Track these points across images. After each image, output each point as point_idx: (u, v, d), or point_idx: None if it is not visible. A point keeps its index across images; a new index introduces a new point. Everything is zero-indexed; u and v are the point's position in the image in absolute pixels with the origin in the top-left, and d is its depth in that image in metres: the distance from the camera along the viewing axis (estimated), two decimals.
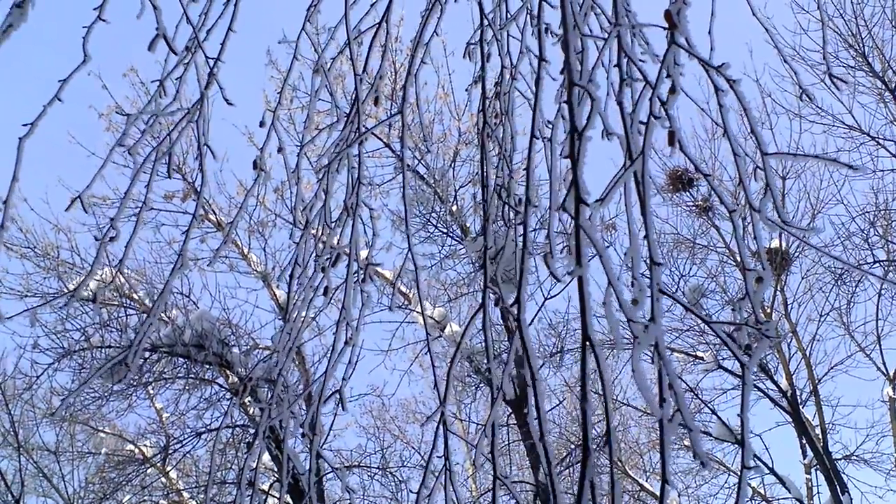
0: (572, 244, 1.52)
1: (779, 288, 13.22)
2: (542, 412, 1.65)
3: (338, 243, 3.03)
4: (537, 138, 1.86)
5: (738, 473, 1.64)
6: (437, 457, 2.37)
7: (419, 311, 12.25)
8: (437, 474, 2.42)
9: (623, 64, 1.88)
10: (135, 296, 11.98)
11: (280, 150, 3.09)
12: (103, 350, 11.56)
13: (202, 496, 11.99)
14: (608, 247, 11.71)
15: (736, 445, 13.01)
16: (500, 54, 3.17)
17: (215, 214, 12.73)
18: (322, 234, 3.05)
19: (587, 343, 1.52)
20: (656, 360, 1.51)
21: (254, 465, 2.72)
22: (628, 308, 1.53)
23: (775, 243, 12.76)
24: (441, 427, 2.39)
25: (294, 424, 2.88)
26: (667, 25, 1.80)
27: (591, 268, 1.67)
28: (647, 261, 1.60)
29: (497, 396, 2.05)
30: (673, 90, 1.75)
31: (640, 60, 2.37)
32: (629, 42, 2.20)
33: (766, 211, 1.79)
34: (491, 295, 2.34)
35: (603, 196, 1.58)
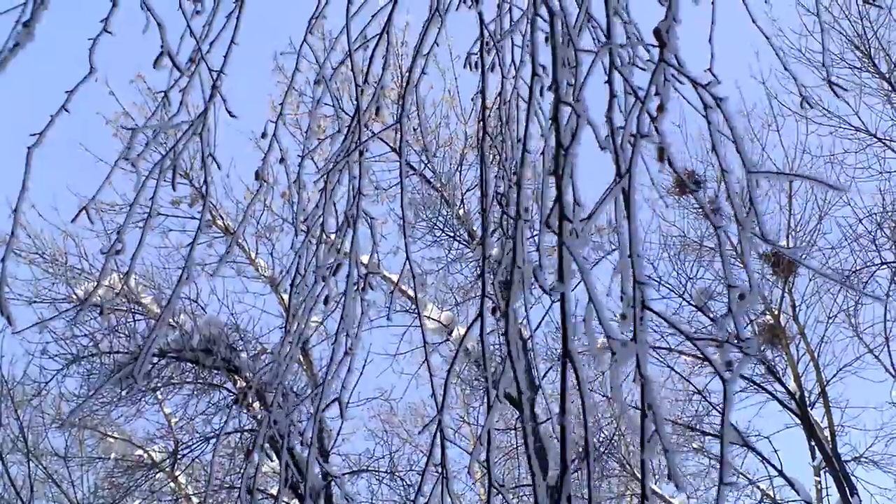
0: (557, 261, 1.53)
1: (787, 290, 13.20)
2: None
3: (339, 252, 3.05)
4: (529, 153, 1.88)
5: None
6: (434, 465, 2.39)
7: (423, 316, 12.25)
8: (436, 479, 2.43)
9: (614, 80, 1.89)
10: (143, 301, 12.01)
11: (282, 160, 3.12)
12: (112, 356, 11.60)
13: (211, 501, 12.02)
14: (614, 250, 11.70)
15: (745, 448, 13.00)
16: (500, 64, 3.19)
17: (222, 219, 12.76)
18: (323, 242, 3.07)
19: (568, 359, 1.53)
20: (638, 380, 1.53)
21: (253, 472, 2.74)
22: (608, 325, 1.54)
23: (783, 244, 12.74)
24: (438, 435, 2.40)
25: (295, 431, 2.90)
26: (656, 43, 1.81)
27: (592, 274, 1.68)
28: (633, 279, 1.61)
29: (492, 405, 2.07)
30: (661, 108, 1.76)
31: (641, 68, 2.39)
32: (623, 57, 2.21)
33: (750, 228, 1.80)
34: (489, 304, 2.35)
35: (589, 215, 1.60)
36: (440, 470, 2.37)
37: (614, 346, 1.51)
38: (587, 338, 1.55)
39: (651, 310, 1.58)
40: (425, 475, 2.41)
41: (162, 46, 2.51)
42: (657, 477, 14.96)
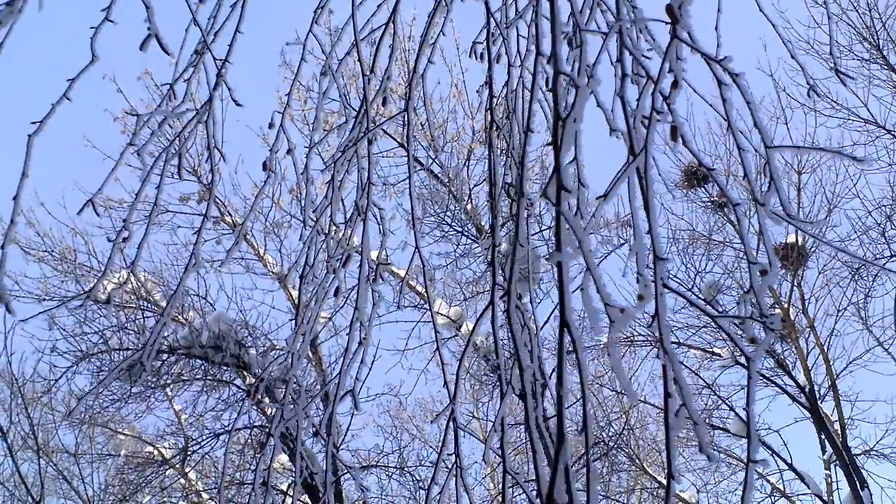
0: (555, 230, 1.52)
1: (796, 283, 13.15)
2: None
3: (349, 243, 3.04)
4: (532, 132, 1.86)
5: (745, 466, 1.64)
6: (448, 454, 2.38)
7: (433, 312, 12.25)
8: (449, 469, 2.43)
9: (625, 59, 1.87)
10: (152, 298, 12.04)
11: (289, 151, 3.11)
12: (121, 352, 11.62)
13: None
14: (623, 244, 11.68)
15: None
16: (506, 52, 3.18)
17: (231, 216, 12.77)
18: (332, 234, 3.06)
19: (565, 328, 1.52)
20: (661, 356, 1.51)
21: (267, 466, 2.73)
22: (605, 293, 1.53)
23: (791, 238, 12.71)
24: (451, 424, 2.40)
25: (307, 425, 2.89)
26: (669, 20, 1.80)
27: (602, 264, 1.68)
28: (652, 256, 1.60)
29: (506, 392, 2.06)
30: (675, 84, 1.75)
31: (646, 57, 2.37)
32: (634, 37, 2.20)
33: (770, 205, 1.78)
34: (500, 293, 2.34)
35: (606, 192, 1.58)
36: (454, 459, 2.36)
37: (612, 314, 1.50)
38: (584, 307, 1.54)
39: (670, 288, 1.57)
40: (439, 463, 2.40)
41: (149, 29, 2.49)
42: (664, 473, 14.93)
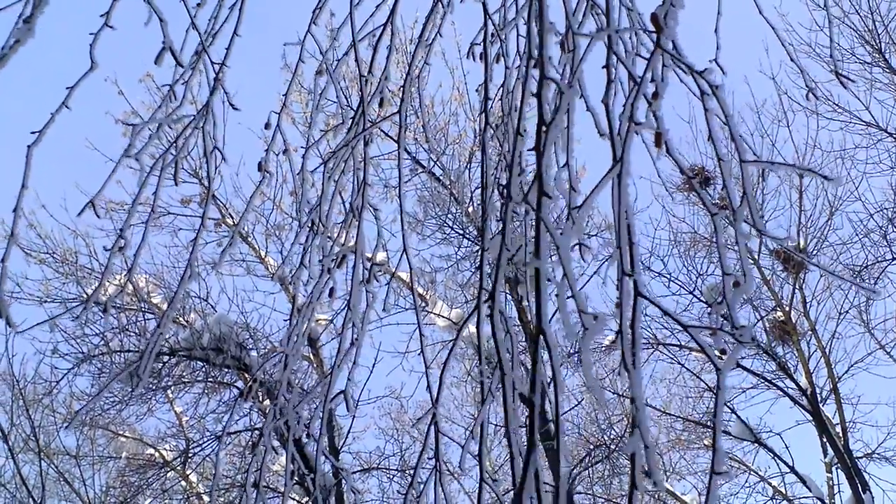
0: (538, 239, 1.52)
1: (797, 286, 13.14)
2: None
3: (344, 244, 3.04)
4: (521, 135, 1.86)
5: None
6: (429, 458, 2.39)
7: (435, 312, 12.26)
8: (429, 473, 2.43)
9: (611, 65, 1.87)
10: (153, 300, 12.04)
11: (285, 151, 3.11)
12: (122, 354, 11.63)
13: (222, 499, 12.03)
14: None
15: (756, 444, 12.97)
16: (503, 54, 3.18)
17: (232, 218, 12.76)
18: (327, 233, 3.06)
19: (540, 335, 1.52)
20: (627, 372, 1.51)
21: (259, 465, 2.73)
22: (580, 300, 1.53)
23: (793, 242, 12.71)
24: (433, 428, 2.40)
25: (300, 424, 2.89)
26: (653, 28, 1.79)
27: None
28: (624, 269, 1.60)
29: (485, 398, 2.06)
30: (656, 95, 1.74)
31: (643, 58, 2.37)
32: (627, 42, 2.20)
33: (743, 217, 1.79)
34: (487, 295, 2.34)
35: (581, 203, 1.58)
36: (434, 463, 2.36)
37: (585, 321, 1.50)
38: (559, 312, 1.54)
39: (644, 296, 1.57)
40: (418, 467, 2.40)
41: (164, 42, 2.50)
42: (668, 474, 14.93)
